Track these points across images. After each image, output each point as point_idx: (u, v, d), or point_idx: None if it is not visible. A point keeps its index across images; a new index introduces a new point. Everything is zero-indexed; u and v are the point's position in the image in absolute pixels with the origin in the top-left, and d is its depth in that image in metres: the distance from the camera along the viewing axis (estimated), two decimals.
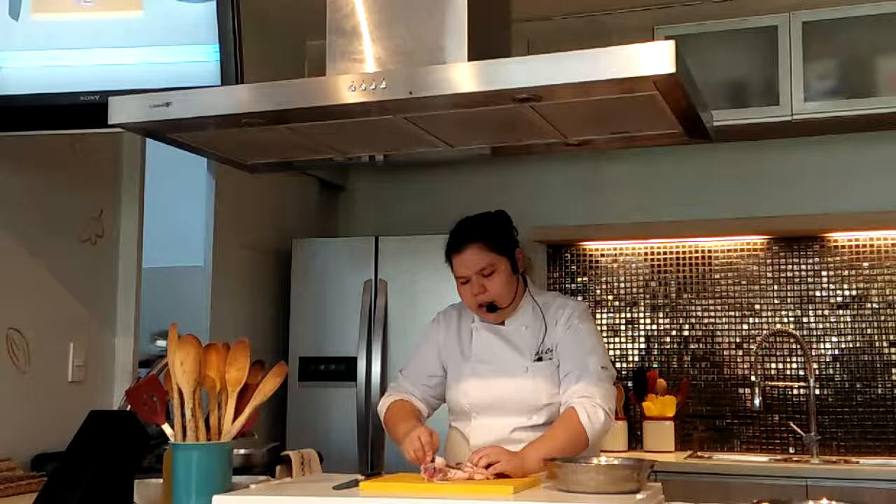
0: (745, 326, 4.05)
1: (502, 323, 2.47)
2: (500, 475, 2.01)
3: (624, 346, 4.18)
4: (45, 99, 2.44)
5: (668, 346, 4.14)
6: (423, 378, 2.53)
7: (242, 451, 2.40)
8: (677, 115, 1.94)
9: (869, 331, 3.89)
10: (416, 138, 2.17)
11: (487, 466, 2.03)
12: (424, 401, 2.51)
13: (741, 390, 4.01)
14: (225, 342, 1.98)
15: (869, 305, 3.90)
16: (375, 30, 2.09)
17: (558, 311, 2.43)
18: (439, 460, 2.04)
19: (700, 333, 4.11)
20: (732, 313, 4.07)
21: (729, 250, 4.11)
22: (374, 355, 3.86)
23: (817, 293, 3.97)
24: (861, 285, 3.92)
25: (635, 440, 4.00)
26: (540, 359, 2.40)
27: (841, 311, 3.93)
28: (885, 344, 3.87)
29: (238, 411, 1.93)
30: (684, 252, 4.16)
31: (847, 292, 3.93)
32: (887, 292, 3.88)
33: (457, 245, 2.40)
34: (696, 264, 4.14)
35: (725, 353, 4.06)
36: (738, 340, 4.05)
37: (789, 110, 3.70)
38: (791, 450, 3.87)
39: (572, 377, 2.32)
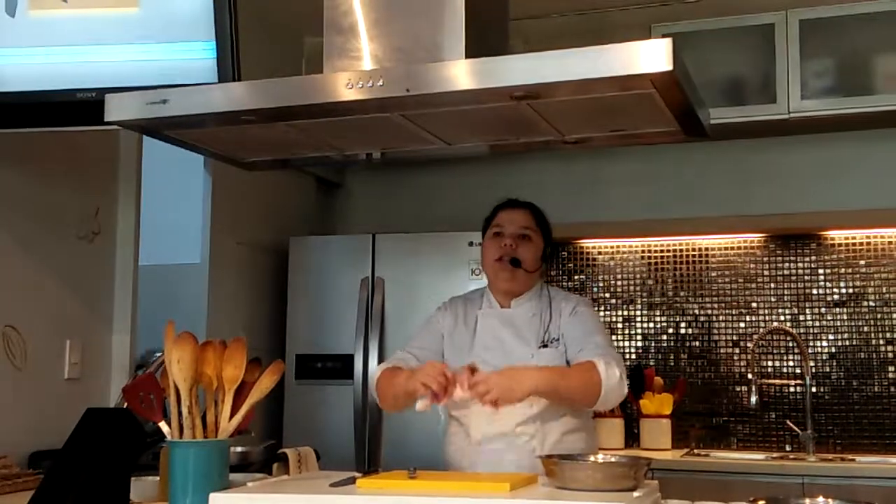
0: (742, 324, 4.05)
1: (509, 305, 2.51)
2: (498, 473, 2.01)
3: (621, 343, 4.18)
4: (41, 96, 2.44)
5: (664, 344, 4.14)
6: (425, 353, 2.51)
7: (239, 449, 2.40)
8: (674, 112, 1.94)
9: (865, 329, 3.89)
10: (413, 136, 2.17)
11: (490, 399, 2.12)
12: None
13: (738, 388, 4.01)
14: (222, 340, 1.97)
15: (865, 303, 3.90)
16: (373, 27, 2.09)
17: (562, 303, 2.50)
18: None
19: (697, 331, 4.11)
20: (729, 311, 4.07)
21: (726, 248, 4.11)
22: (371, 353, 3.86)
23: (814, 291, 3.97)
24: (858, 283, 3.92)
25: (632, 438, 4.00)
26: (545, 345, 2.44)
27: (838, 309, 3.94)
28: (881, 342, 3.87)
29: (235, 409, 1.93)
30: (681, 250, 4.17)
31: (844, 290, 3.94)
32: (884, 290, 3.89)
33: (514, 203, 2.57)
34: (694, 262, 4.14)
35: (722, 350, 4.06)
36: (734, 338, 4.06)
37: (786, 108, 3.70)
38: (788, 447, 3.88)
39: (584, 353, 2.36)
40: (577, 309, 2.48)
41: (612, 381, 2.26)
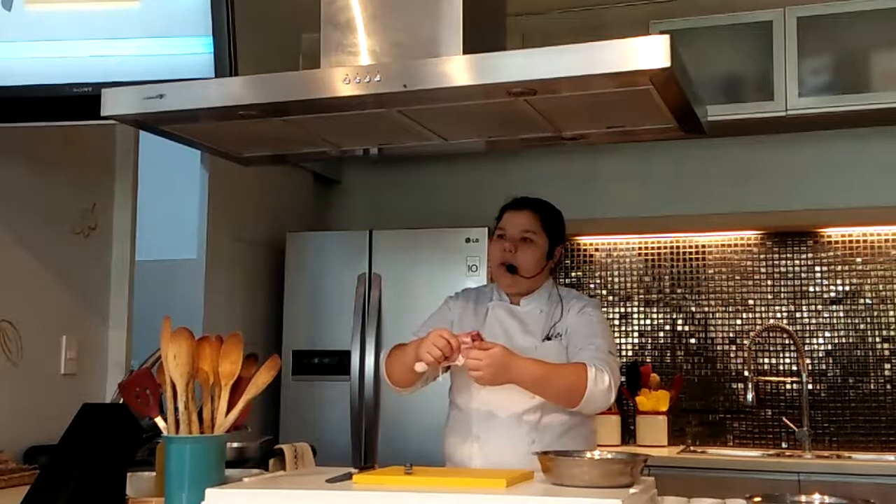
0: (739, 321, 4.06)
1: (518, 303, 2.54)
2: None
3: (617, 340, 4.18)
4: (37, 90, 2.43)
5: (661, 341, 4.15)
6: None
7: (236, 445, 2.40)
8: (672, 109, 1.94)
9: (862, 326, 3.90)
10: (410, 132, 2.17)
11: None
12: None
13: (734, 385, 4.02)
14: (218, 335, 1.97)
15: (862, 301, 3.91)
16: (370, 22, 2.09)
17: (572, 301, 2.53)
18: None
19: (694, 328, 4.11)
20: (726, 308, 4.08)
21: (723, 245, 4.11)
22: (368, 349, 3.86)
23: (811, 288, 3.98)
24: (854, 281, 3.93)
25: (628, 435, 4.01)
26: (549, 338, 2.47)
27: (834, 307, 3.94)
28: (877, 339, 3.87)
29: (231, 404, 1.93)
30: (678, 247, 4.17)
31: (840, 288, 3.94)
32: (880, 288, 3.89)
33: (518, 205, 2.58)
34: (690, 259, 4.15)
35: (719, 347, 4.07)
36: (731, 335, 4.06)
37: (783, 105, 3.70)
38: (784, 444, 3.88)
39: (583, 353, 2.38)
40: (586, 309, 2.50)
41: (598, 389, 2.29)
